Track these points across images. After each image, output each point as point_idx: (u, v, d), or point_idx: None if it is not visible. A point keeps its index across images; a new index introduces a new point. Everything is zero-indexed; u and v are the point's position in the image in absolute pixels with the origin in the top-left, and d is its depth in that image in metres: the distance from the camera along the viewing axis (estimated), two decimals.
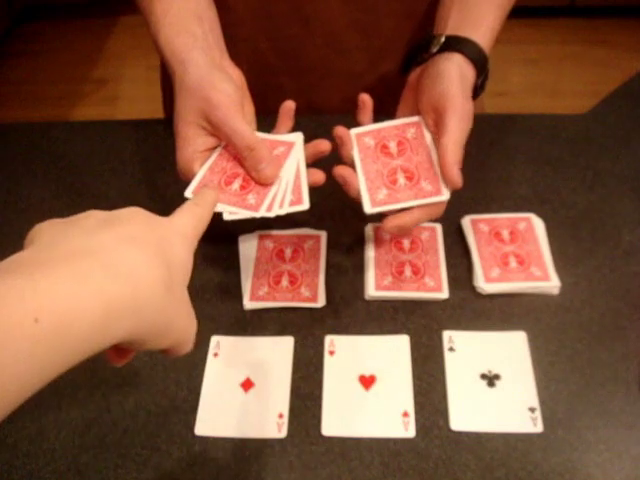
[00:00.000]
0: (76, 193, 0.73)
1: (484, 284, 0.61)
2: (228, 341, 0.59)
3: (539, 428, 0.52)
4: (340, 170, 0.57)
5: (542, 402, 0.53)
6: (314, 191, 0.71)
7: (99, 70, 2.48)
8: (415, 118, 0.59)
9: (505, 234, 0.65)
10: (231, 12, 0.73)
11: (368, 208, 0.54)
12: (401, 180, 0.56)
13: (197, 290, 0.63)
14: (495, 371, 0.56)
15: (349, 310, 0.61)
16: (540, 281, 0.61)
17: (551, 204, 0.68)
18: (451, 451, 0.51)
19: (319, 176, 0.57)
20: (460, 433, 0.52)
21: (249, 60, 0.73)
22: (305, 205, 0.54)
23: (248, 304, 0.61)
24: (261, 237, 0.67)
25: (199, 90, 0.55)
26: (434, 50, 0.60)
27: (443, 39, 0.60)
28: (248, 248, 0.66)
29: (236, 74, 0.60)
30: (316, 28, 0.75)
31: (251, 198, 0.54)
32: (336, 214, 0.69)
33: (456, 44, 0.60)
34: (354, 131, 0.59)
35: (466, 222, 0.66)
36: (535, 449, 0.51)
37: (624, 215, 0.67)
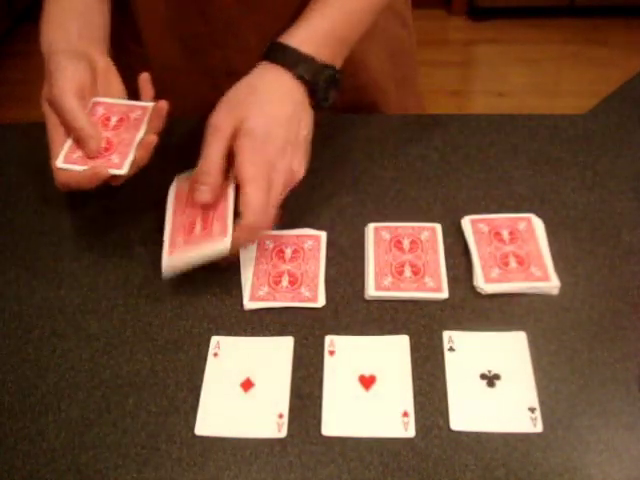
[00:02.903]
0: (76, 193, 0.73)
1: (484, 284, 0.61)
2: (228, 341, 0.59)
3: (539, 428, 0.52)
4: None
5: (542, 402, 0.53)
6: (314, 191, 0.71)
7: None
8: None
9: (505, 234, 0.65)
10: (140, 18, 0.76)
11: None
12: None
13: (197, 290, 0.63)
14: (495, 371, 0.56)
15: (349, 310, 0.61)
16: (540, 281, 0.61)
17: (551, 204, 0.68)
18: (451, 451, 0.51)
19: (152, 138, 0.62)
20: (460, 433, 0.52)
21: (161, 62, 0.78)
22: (123, 170, 0.61)
23: (248, 304, 0.61)
24: (261, 237, 0.67)
25: (47, 70, 0.62)
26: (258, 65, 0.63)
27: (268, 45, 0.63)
28: (248, 248, 0.66)
29: (102, 61, 0.65)
30: (219, 27, 0.75)
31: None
32: (336, 214, 0.69)
33: (266, 53, 0.63)
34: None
35: (466, 222, 0.66)
36: (535, 449, 0.51)
37: (624, 215, 0.67)
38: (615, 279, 0.62)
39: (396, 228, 0.66)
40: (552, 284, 0.61)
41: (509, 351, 0.57)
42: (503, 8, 2.51)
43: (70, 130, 0.61)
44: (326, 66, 0.63)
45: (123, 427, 0.54)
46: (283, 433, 0.52)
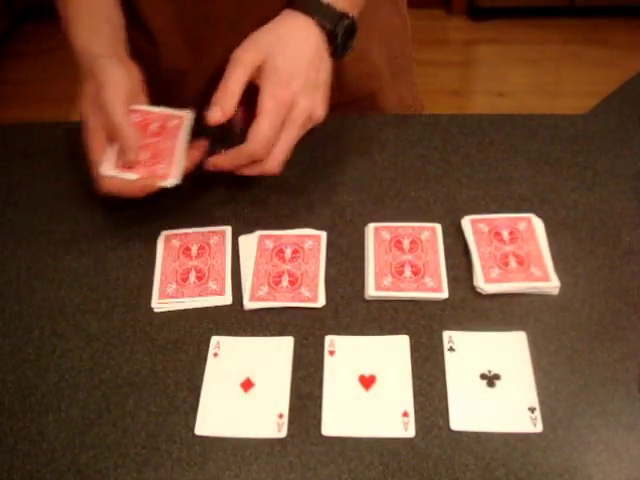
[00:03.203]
0: (76, 193, 0.73)
1: (484, 284, 0.61)
2: (228, 341, 0.59)
3: (539, 428, 0.52)
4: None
5: (542, 402, 0.53)
6: (314, 191, 0.71)
7: None
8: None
9: (505, 234, 0.65)
10: (147, 20, 0.77)
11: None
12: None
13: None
14: (495, 371, 0.56)
15: (349, 310, 0.61)
16: (540, 281, 0.61)
17: (551, 204, 0.68)
18: (451, 451, 0.51)
19: (195, 155, 0.64)
20: (460, 433, 0.52)
21: (170, 64, 0.78)
22: (175, 180, 0.62)
23: (248, 304, 0.61)
24: (261, 237, 0.67)
25: (92, 73, 0.62)
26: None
27: None
28: (248, 248, 0.66)
29: (134, 69, 0.65)
30: (222, 29, 0.75)
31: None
32: (336, 214, 0.69)
33: (289, 2, 0.65)
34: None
35: (466, 222, 0.66)
36: (535, 449, 0.51)
37: (624, 215, 0.67)
38: (615, 279, 0.61)
39: (396, 228, 0.66)
40: (552, 284, 0.61)
41: (509, 351, 0.57)
42: (503, 8, 2.51)
43: (116, 138, 0.61)
44: (345, 15, 0.65)
45: (123, 427, 0.54)
46: (283, 433, 0.52)
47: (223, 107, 0.60)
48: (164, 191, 0.72)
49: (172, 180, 0.62)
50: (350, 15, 0.66)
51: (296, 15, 0.64)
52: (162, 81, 0.70)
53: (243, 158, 0.62)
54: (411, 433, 0.52)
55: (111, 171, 0.61)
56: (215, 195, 0.71)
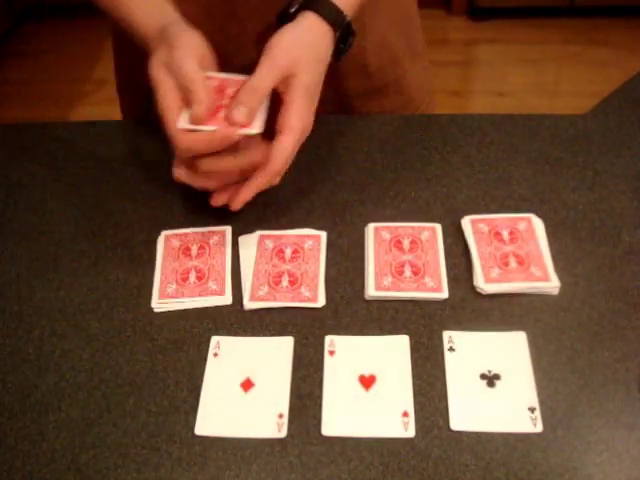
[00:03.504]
0: (76, 193, 0.73)
1: (484, 284, 0.61)
2: (228, 341, 0.59)
3: (539, 428, 0.52)
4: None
5: (542, 402, 0.53)
6: (314, 191, 0.71)
7: (99, 70, 2.48)
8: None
9: (505, 234, 0.65)
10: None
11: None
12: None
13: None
14: (495, 371, 0.56)
15: (349, 310, 0.61)
16: (540, 281, 0.61)
17: (551, 204, 0.68)
18: (451, 451, 0.51)
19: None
20: (460, 433, 0.52)
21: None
22: (255, 129, 0.60)
23: (248, 304, 0.61)
24: (261, 237, 0.67)
25: (164, 39, 0.62)
26: (292, 10, 0.65)
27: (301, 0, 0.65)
28: (248, 248, 0.66)
29: (201, 35, 0.64)
30: (249, 27, 0.75)
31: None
32: (336, 214, 0.69)
33: (311, 3, 0.65)
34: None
35: (466, 222, 0.66)
36: (535, 449, 0.51)
37: (624, 215, 0.67)
38: (615, 279, 0.61)
39: (396, 228, 0.66)
40: (552, 284, 0.61)
41: (509, 351, 0.57)
42: (503, 8, 2.51)
43: (190, 95, 0.60)
44: (352, 30, 0.66)
45: (123, 427, 0.54)
46: (283, 433, 0.52)
47: (249, 107, 0.60)
48: (164, 191, 0.72)
49: (254, 129, 0.60)
50: (354, 29, 0.67)
51: (319, 23, 0.64)
52: None
53: (268, 178, 0.62)
54: (411, 433, 0.52)
55: (186, 124, 0.59)
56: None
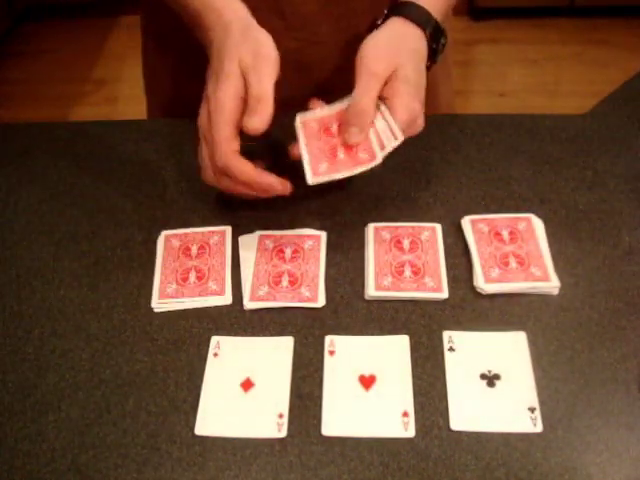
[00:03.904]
0: (76, 193, 0.73)
1: (484, 284, 0.61)
2: (228, 341, 0.59)
3: (539, 428, 0.52)
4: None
5: (542, 402, 0.53)
6: (314, 191, 0.71)
7: (99, 70, 2.48)
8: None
9: (505, 234, 0.65)
10: None
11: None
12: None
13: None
14: (495, 371, 0.56)
15: (349, 310, 0.61)
16: (540, 281, 0.61)
17: (551, 204, 0.68)
18: (451, 451, 0.51)
19: None
20: (460, 433, 0.52)
21: None
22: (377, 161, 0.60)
23: (248, 304, 0.61)
24: (261, 237, 0.67)
25: (248, 40, 0.60)
26: (378, 22, 0.65)
27: (386, 10, 0.65)
28: (248, 248, 0.66)
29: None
30: (293, 21, 0.75)
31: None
32: (336, 214, 0.69)
33: (397, 9, 0.64)
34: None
35: (466, 222, 0.66)
36: (535, 449, 0.51)
37: (624, 215, 0.67)
38: (615, 279, 0.61)
39: (396, 228, 0.66)
40: (552, 284, 0.61)
41: (509, 351, 0.57)
42: (503, 8, 2.51)
43: (254, 103, 0.58)
44: (443, 32, 0.66)
45: (123, 427, 0.54)
46: (283, 433, 0.53)
47: (361, 128, 0.60)
48: (164, 191, 0.72)
49: (377, 161, 0.60)
50: (446, 33, 0.66)
51: (407, 25, 0.64)
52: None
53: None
54: (411, 433, 0.52)
55: (322, 178, 0.60)
56: (215, 195, 0.71)
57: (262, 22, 0.73)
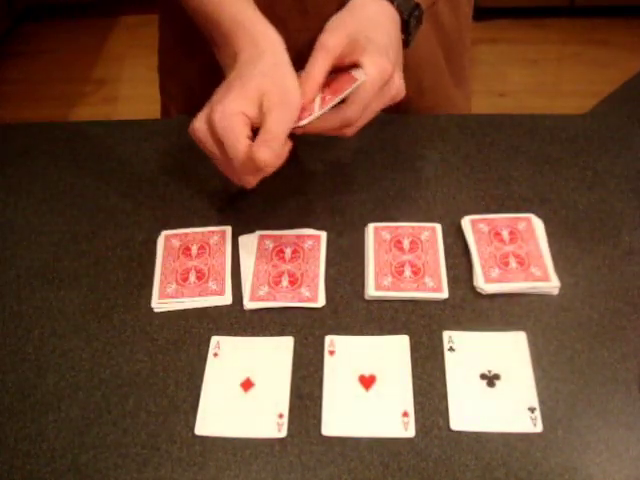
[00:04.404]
0: (76, 193, 0.73)
1: (484, 284, 0.61)
2: (228, 341, 0.59)
3: (539, 428, 0.52)
4: None
5: (542, 402, 0.53)
6: (314, 191, 0.71)
7: (99, 70, 2.48)
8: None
9: (505, 234, 0.65)
10: None
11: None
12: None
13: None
14: (495, 371, 0.56)
15: (349, 310, 0.61)
16: (540, 281, 0.61)
17: (551, 204, 0.68)
18: (451, 451, 0.51)
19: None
20: (460, 433, 0.52)
21: None
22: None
23: (248, 304, 0.61)
24: (261, 237, 0.67)
25: (277, 78, 0.58)
26: None
27: None
28: (248, 248, 0.66)
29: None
30: (314, 21, 0.75)
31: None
32: (336, 214, 0.69)
33: None
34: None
35: (466, 222, 0.66)
36: (535, 449, 0.51)
37: (624, 215, 0.67)
38: (615, 279, 0.62)
39: (396, 228, 0.66)
40: (552, 284, 0.61)
41: (509, 351, 0.57)
42: (503, 8, 2.51)
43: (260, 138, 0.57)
44: (418, 5, 0.66)
45: (123, 427, 0.54)
46: (283, 433, 0.52)
47: (305, 92, 0.58)
48: (164, 191, 0.72)
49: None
50: (422, 7, 0.66)
51: (377, 0, 0.63)
52: None
53: (338, 121, 0.60)
54: (411, 433, 0.52)
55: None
56: (215, 195, 0.71)
57: (282, 17, 0.71)
